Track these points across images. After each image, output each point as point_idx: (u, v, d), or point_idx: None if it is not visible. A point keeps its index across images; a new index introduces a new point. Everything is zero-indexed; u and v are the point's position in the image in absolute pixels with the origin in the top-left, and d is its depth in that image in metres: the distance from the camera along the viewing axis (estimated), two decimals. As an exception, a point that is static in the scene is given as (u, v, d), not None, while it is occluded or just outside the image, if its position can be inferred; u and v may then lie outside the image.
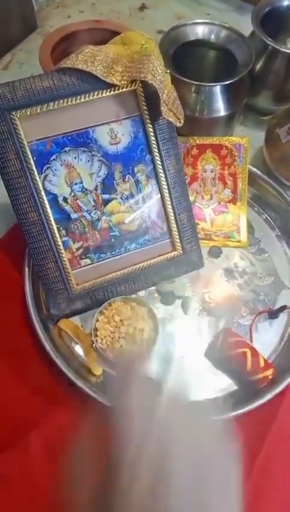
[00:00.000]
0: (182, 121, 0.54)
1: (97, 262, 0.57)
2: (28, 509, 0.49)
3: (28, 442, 0.51)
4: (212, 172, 0.66)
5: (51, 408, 0.53)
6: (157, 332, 0.55)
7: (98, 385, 0.53)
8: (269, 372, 0.52)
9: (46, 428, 0.52)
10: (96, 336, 0.55)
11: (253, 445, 0.52)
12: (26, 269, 0.57)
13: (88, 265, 0.57)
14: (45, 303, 0.57)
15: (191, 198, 0.64)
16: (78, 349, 0.56)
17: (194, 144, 0.65)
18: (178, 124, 0.54)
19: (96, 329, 0.55)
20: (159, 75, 0.50)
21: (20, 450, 0.51)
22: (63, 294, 0.56)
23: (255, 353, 0.53)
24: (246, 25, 0.70)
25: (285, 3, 0.72)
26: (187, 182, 0.64)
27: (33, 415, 0.53)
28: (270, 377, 0.52)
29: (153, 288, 0.61)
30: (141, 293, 0.61)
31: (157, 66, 0.50)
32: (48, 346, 0.53)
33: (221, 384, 0.55)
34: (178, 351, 0.57)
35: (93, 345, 0.55)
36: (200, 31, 0.69)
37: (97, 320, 0.56)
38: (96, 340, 0.55)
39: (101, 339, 0.55)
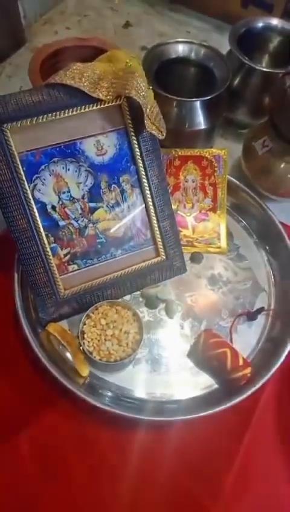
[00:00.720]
0: (164, 134, 0.57)
1: (84, 267, 0.59)
2: (17, 509, 0.50)
3: (16, 443, 0.53)
4: (193, 182, 0.70)
5: (39, 409, 0.55)
6: (142, 334, 0.58)
7: (85, 386, 0.55)
8: (248, 371, 0.55)
9: (34, 429, 0.54)
10: (83, 338, 0.57)
11: (233, 441, 0.54)
12: (16, 275, 0.59)
13: (75, 270, 0.59)
14: (33, 307, 0.59)
15: (174, 207, 0.68)
16: (66, 352, 0.58)
17: (176, 155, 0.69)
18: (160, 137, 0.57)
19: (83, 332, 0.57)
20: (142, 91, 0.53)
21: (9, 451, 0.52)
22: (51, 299, 0.58)
23: (234, 353, 0.56)
24: (224, 44, 0.74)
25: (260, 24, 0.77)
26: (170, 191, 0.67)
27: (21, 416, 0.54)
28: (248, 375, 0.55)
29: (138, 292, 0.63)
30: (126, 298, 0.63)
31: (140, 82, 0.54)
32: (36, 349, 0.55)
33: (203, 382, 0.58)
34: (162, 352, 0.60)
35: (81, 347, 0.57)
36: (180, 49, 0.73)
37: (84, 324, 0.58)
38: (84, 343, 0.57)
39: (88, 341, 0.57)
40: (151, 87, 0.57)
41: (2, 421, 0.54)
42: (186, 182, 0.70)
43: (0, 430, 0.54)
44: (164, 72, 0.70)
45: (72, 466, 0.52)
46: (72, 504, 0.50)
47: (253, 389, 0.54)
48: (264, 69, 0.73)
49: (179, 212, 0.69)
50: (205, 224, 0.70)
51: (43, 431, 0.54)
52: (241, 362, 0.55)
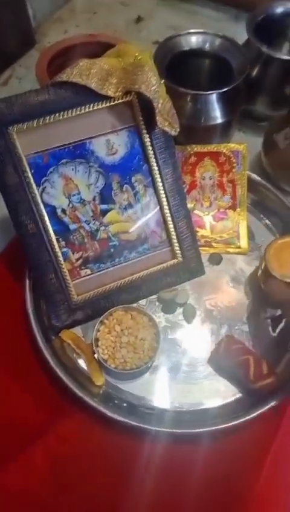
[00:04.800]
0: (178, 130, 0.54)
1: (97, 272, 0.57)
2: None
3: (31, 452, 0.51)
4: (211, 179, 0.66)
5: (53, 418, 0.53)
6: (159, 341, 0.55)
7: (100, 395, 0.53)
8: (272, 379, 0.52)
9: (48, 438, 0.52)
10: (97, 346, 0.55)
11: (259, 453, 0.51)
12: (27, 281, 0.58)
13: (88, 275, 0.57)
14: (46, 314, 0.58)
15: (191, 206, 0.65)
16: (80, 360, 0.56)
17: (192, 152, 0.66)
18: (174, 133, 0.54)
19: (97, 340, 0.55)
20: (153, 85, 0.51)
21: (23, 461, 0.51)
22: (64, 305, 0.56)
23: (258, 360, 0.53)
24: (241, 33, 0.70)
25: (279, 10, 0.73)
26: (186, 189, 0.64)
27: (35, 425, 0.53)
28: (273, 384, 0.52)
29: (154, 296, 0.61)
30: (142, 302, 0.60)
31: (151, 76, 0.51)
32: (49, 357, 0.53)
33: (224, 391, 0.55)
34: (181, 359, 0.57)
35: (95, 355, 0.55)
36: (194, 41, 0.69)
37: (98, 331, 0.56)
38: (98, 351, 0.55)
39: (103, 349, 0.55)
40: (163, 80, 0.54)
41: (16, 430, 0.53)
42: (203, 179, 0.66)
43: (14, 440, 0.52)
44: (178, 65, 0.67)
45: (87, 477, 0.50)
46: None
47: (278, 399, 0.51)
48: (285, 57, 0.69)
49: (195, 211, 0.66)
50: (223, 223, 0.66)
51: (58, 441, 0.52)
52: (265, 370, 0.52)
